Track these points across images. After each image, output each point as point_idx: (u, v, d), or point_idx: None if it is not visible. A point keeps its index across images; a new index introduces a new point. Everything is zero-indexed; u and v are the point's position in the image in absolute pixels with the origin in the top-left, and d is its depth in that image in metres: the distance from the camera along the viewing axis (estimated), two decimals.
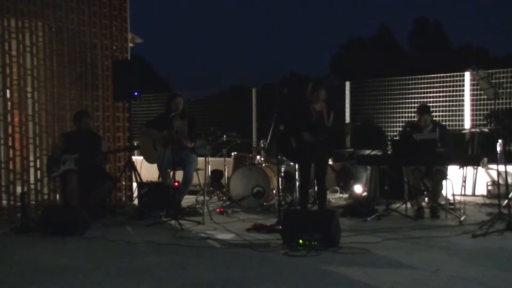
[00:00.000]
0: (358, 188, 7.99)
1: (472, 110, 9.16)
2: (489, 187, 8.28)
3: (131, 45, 9.27)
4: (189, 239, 5.54)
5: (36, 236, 5.79)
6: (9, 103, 7.06)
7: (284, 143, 6.46)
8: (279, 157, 6.65)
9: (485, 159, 8.30)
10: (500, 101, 8.52)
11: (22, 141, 7.16)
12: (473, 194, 8.48)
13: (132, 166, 7.64)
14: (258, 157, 8.22)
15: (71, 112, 7.52)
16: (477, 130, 8.75)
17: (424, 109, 7.04)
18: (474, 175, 8.54)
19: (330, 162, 8.33)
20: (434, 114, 8.41)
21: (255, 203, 7.48)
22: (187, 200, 7.72)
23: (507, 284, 4.00)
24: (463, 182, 7.09)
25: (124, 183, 8.27)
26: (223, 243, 5.42)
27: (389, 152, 7.45)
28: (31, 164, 7.24)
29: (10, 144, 7.02)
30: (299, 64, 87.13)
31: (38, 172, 7.30)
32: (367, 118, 6.52)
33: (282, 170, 7.62)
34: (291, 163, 7.70)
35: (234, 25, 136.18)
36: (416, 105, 9.42)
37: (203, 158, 7.30)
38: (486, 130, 8.66)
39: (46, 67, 7.43)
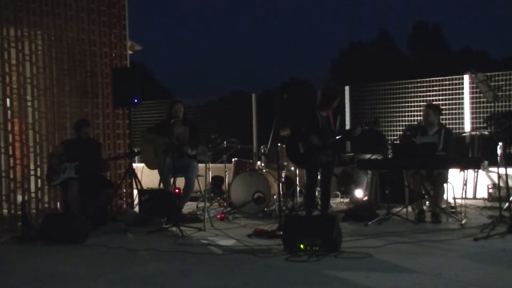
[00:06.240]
0: (359, 193, 7.98)
1: (472, 113, 9.16)
2: (490, 190, 8.26)
3: (130, 52, 9.29)
4: (190, 246, 5.53)
5: (37, 244, 5.79)
6: (9, 112, 7.06)
7: (291, 148, 6.47)
8: (279, 162, 6.64)
9: (486, 162, 8.27)
10: (500, 103, 8.52)
11: (22, 149, 7.16)
12: (474, 197, 8.46)
13: (132, 173, 7.64)
14: (258, 162, 8.22)
15: (72, 120, 7.53)
16: (477, 133, 8.74)
17: (428, 104, 7.05)
18: (475, 178, 8.52)
19: None
20: None
21: (256, 208, 7.47)
22: (188, 206, 7.72)
23: (508, 287, 3.99)
24: (464, 185, 7.07)
25: (124, 190, 8.27)
26: (225, 249, 5.41)
27: (389, 156, 7.44)
28: (32, 172, 7.23)
29: (10, 152, 7.02)
30: (299, 69, 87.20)
31: (39, 180, 7.29)
32: (374, 121, 6.50)
33: (283, 176, 7.61)
34: (292, 168, 7.70)
35: (234, 30, 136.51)
36: (416, 108, 9.46)
37: (204, 164, 7.30)
38: (486, 133, 8.65)
39: (45, 75, 7.44)
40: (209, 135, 6.93)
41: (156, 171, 7.27)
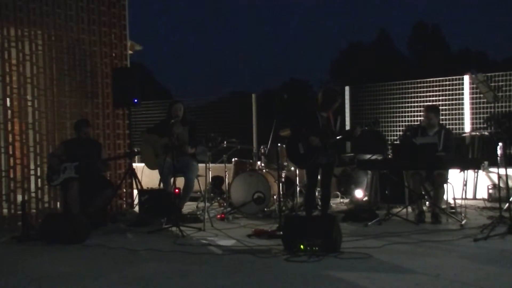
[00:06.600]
0: (359, 193, 7.99)
1: (472, 113, 9.16)
2: (490, 191, 8.26)
3: (130, 52, 9.29)
4: (190, 246, 5.53)
5: (37, 244, 5.79)
6: (9, 112, 7.07)
7: (291, 149, 6.47)
8: (279, 162, 6.64)
9: (486, 163, 8.28)
10: (500, 104, 8.51)
11: (22, 149, 7.16)
12: (474, 198, 8.46)
13: (132, 173, 7.64)
14: (258, 163, 8.22)
15: (72, 120, 7.54)
16: (477, 133, 8.74)
17: (429, 108, 7.06)
18: (475, 178, 8.52)
19: None
20: None
21: (256, 209, 7.47)
22: (188, 206, 7.72)
23: (508, 287, 3.99)
24: (464, 186, 7.07)
25: (124, 190, 8.28)
26: (224, 249, 5.42)
27: (389, 156, 7.45)
28: (32, 172, 7.24)
29: (10, 152, 7.02)
30: (299, 69, 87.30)
31: (39, 180, 7.30)
32: (374, 122, 6.51)
33: (283, 176, 7.61)
34: (292, 169, 7.70)
35: (233, 31, 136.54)
36: (416, 109, 9.46)
37: (204, 164, 7.30)
38: (486, 133, 8.65)
39: (45, 75, 7.44)
40: (209, 134, 6.94)
41: (156, 171, 7.28)
